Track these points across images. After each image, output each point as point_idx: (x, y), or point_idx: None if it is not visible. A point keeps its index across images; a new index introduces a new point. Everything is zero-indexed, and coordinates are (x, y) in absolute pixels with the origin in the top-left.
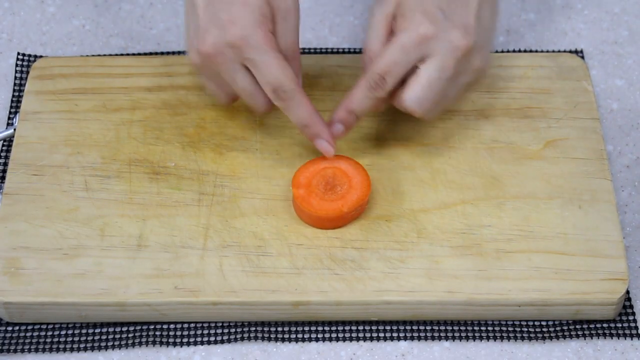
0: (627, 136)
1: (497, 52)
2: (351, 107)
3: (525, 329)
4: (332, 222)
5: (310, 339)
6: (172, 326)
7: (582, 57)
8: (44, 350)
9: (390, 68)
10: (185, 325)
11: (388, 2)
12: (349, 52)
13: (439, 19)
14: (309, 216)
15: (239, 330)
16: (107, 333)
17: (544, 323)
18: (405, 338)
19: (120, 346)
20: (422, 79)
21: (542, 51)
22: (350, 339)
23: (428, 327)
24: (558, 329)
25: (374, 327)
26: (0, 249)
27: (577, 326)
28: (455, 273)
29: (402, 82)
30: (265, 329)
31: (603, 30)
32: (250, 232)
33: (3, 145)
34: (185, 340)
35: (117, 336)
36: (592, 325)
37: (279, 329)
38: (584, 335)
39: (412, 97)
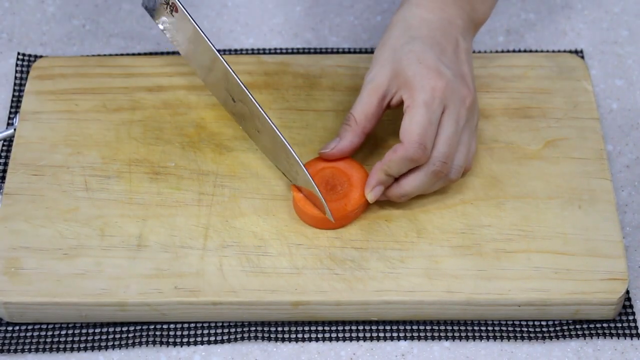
0: (626, 136)
1: (497, 52)
2: (390, 172)
3: (525, 329)
4: (335, 221)
5: (310, 339)
6: (172, 326)
7: (582, 57)
8: (44, 350)
9: (427, 131)
10: (185, 325)
11: (382, 70)
12: (349, 52)
13: (443, 70)
14: (311, 217)
15: (239, 330)
16: (107, 333)
17: (543, 323)
18: (405, 338)
19: (120, 346)
20: (443, 136)
21: (542, 51)
22: (350, 338)
23: (428, 327)
24: (558, 328)
25: (373, 327)
26: (0, 249)
27: (577, 326)
28: (455, 273)
29: None
30: (265, 328)
31: (603, 30)
32: (250, 232)
33: (3, 145)
34: (185, 340)
35: (117, 336)
36: (591, 325)
37: (279, 328)
38: (584, 335)
39: (437, 156)
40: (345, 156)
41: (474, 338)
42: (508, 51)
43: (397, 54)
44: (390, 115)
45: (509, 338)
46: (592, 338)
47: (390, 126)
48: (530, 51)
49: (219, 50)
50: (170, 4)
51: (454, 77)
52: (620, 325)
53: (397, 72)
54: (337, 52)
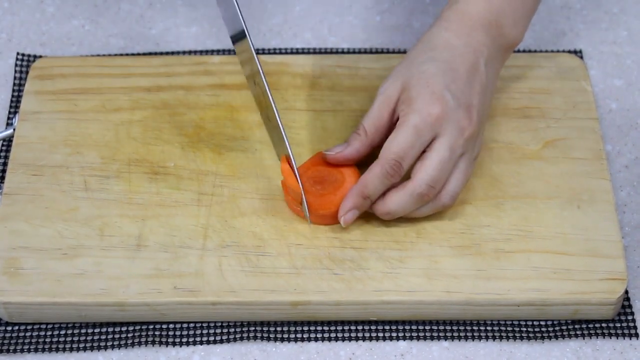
0: (625, 136)
1: None
2: (367, 193)
3: (524, 329)
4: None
5: (309, 339)
6: (171, 326)
7: (581, 57)
8: (43, 350)
9: (406, 152)
10: (185, 325)
11: (394, 84)
12: (349, 52)
13: (446, 98)
14: (321, 217)
15: (238, 330)
16: (107, 333)
17: (542, 323)
18: (404, 338)
19: (119, 346)
20: (434, 160)
21: (541, 51)
22: (350, 338)
23: (427, 327)
24: (557, 328)
25: (373, 327)
26: (0, 249)
27: (576, 326)
28: (454, 273)
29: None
30: (265, 328)
31: (602, 31)
32: (250, 232)
33: (3, 145)
34: (184, 340)
35: (117, 336)
36: (590, 325)
37: (278, 328)
38: (583, 335)
39: (424, 178)
40: (349, 163)
41: (473, 338)
42: None
43: (411, 71)
44: None
45: (508, 338)
46: (591, 338)
47: None
48: (529, 51)
49: (223, 51)
50: None
51: (458, 106)
52: (619, 325)
53: (406, 88)
54: (336, 52)
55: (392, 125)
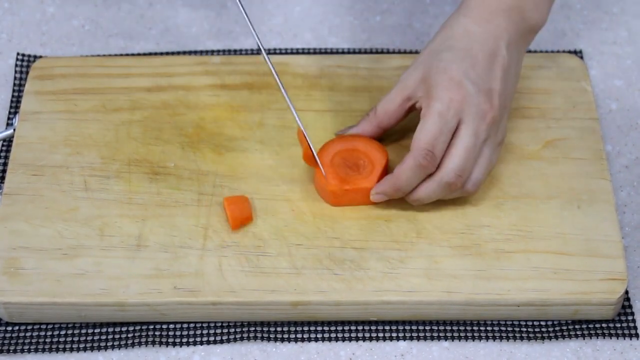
0: (626, 136)
1: None
2: (399, 185)
3: (524, 329)
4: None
5: (309, 339)
6: (171, 326)
7: (581, 58)
8: (43, 350)
9: (436, 139)
10: (185, 325)
11: (414, 73)
12: (349, 53)
13: (465, 85)
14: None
15: (238, 330)
16: (107, 333)
17: (542, 323)
18: (404, 338)
19: (119, 346)
20: (459, 148)
21: (541, 51)
22: (350, 339)
23: (427, 327)
24: (557, 329)
25: (373, 327)
26: (0, 249)
27: (576, 326)
28: (454, 273)
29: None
30: (265, 329)
31: (602, 31)
32: (250, 232)
33: (3, 146)
34: (184, 340)
35: (117, 336)
36: (591, 325)
37: (278, 329)
38: (583, 335)
39: (452, 167)
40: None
41: (473, 338)
42: None
43: (430, 60)
44: None
45: (508, 338)
46: (591, 338)
47: None
48: (530, 51)
49: (223, 51)
50: None
51: (477, 92)
52: (619, 325)
53: (425, 77)
54: (337, 53)
55: (403, 111)
